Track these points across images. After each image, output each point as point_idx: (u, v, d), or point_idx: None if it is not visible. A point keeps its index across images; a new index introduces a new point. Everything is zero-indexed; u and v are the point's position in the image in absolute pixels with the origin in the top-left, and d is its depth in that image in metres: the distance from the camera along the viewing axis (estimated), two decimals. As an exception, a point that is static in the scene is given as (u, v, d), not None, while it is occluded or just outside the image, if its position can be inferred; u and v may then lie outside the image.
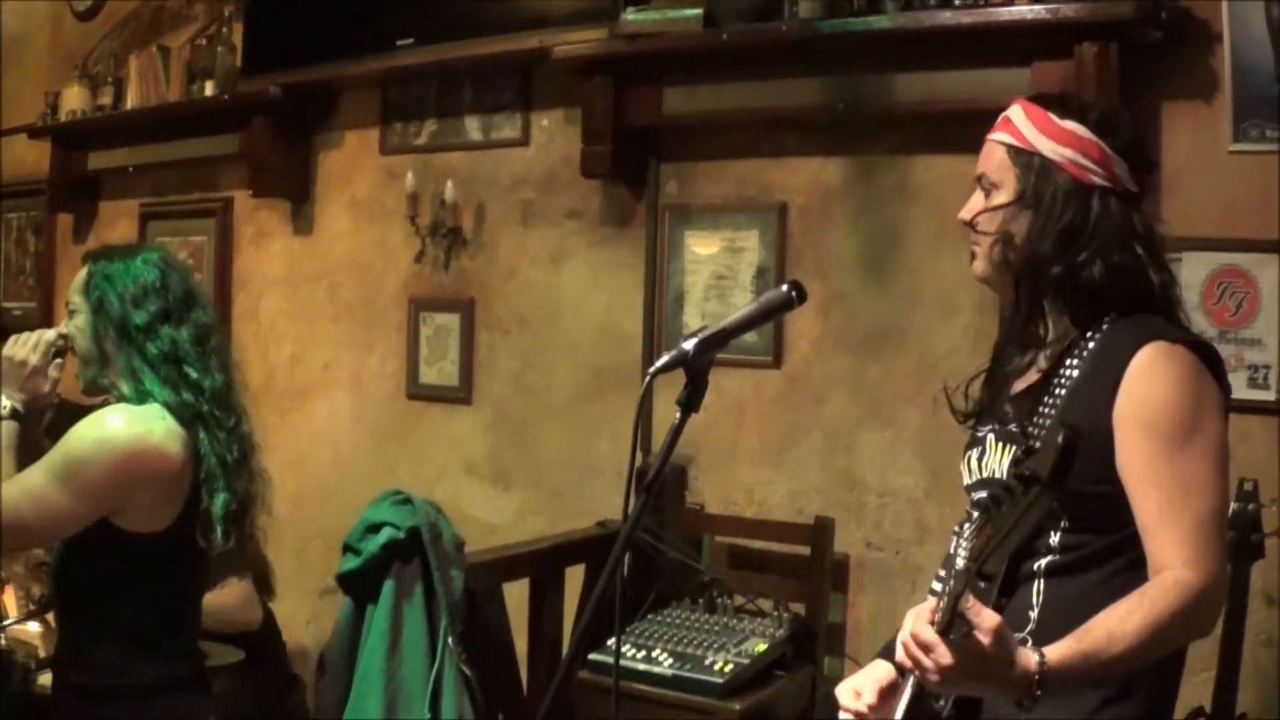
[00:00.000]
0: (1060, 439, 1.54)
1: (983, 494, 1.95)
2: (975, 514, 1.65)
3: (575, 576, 3.74)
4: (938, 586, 2.02)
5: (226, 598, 3.58)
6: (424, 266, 4.78)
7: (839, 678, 2.87)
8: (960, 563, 1.57)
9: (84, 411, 2.29)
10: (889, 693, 1.91)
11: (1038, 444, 1.61)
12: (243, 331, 5.29)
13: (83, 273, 2.41)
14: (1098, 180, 1.93)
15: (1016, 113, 2.00)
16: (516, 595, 3.66)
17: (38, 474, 2.22)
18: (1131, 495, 1.75)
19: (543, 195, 4.52)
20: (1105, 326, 1.91)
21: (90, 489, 2.20)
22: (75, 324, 2.38)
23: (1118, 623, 1.63)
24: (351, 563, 3.35)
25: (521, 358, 4.56)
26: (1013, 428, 1.93)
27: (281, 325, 5.25)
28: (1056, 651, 1.60)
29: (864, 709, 1.91)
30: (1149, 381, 1.78)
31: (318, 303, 5.12)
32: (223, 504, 2.28)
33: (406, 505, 3.40)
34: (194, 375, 2.29)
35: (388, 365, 4.89)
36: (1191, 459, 1.74)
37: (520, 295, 4.57)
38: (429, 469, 4.72)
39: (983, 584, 1.64)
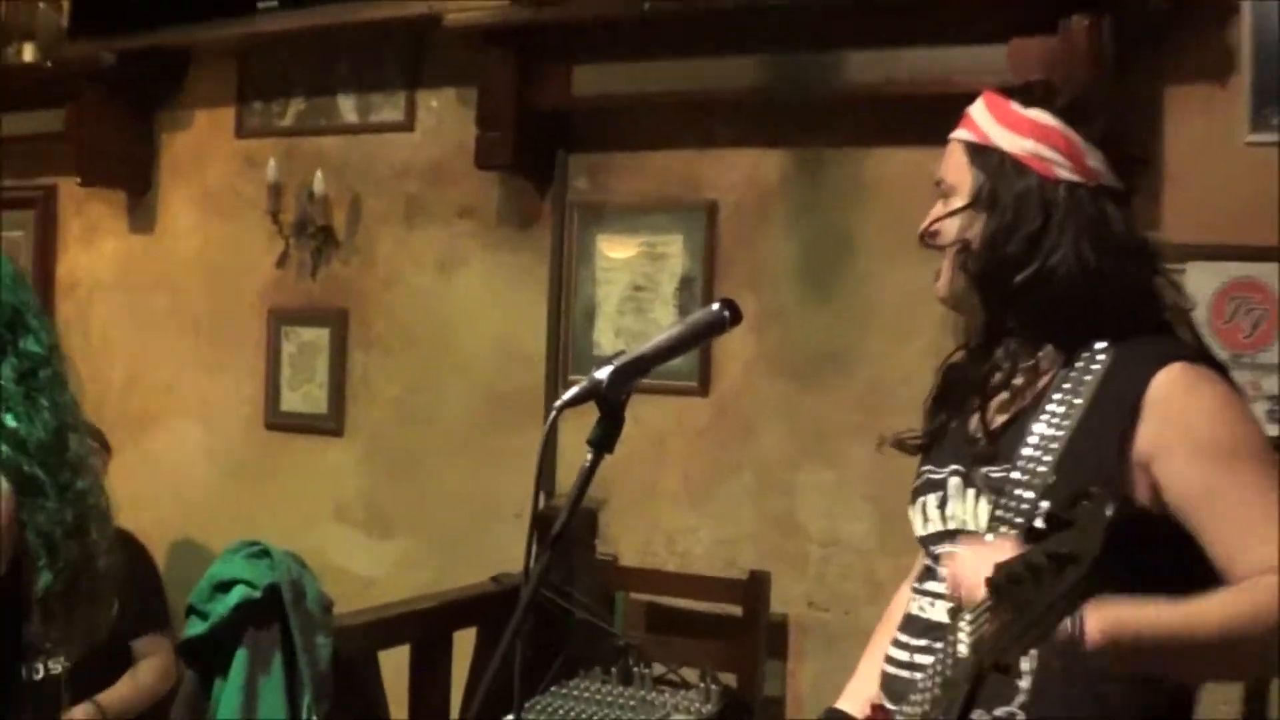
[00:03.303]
0: (1108, 511, 1.46)
1: (946, 547, 1.94)
2: (943, 571, 1.61)
3: (466, 641, 3.73)
4: (900, 654, 2.00)
5: (146, 673, 4.08)
6: (288, 272, 4.75)
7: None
8: (963, 649, 1.52)
9: None
10: None
11: (1067, 515, 1.52)
12: (68, 346, 4.75)
13: None
14: (1064, 174, 1.93)
15: (977, 106, 2.01)
16: (396, 664, 3.62)
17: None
18: (1201, 526, 1.77)
19: (430, 189, 4.52)
20: (1102, 354, 1.89)
21: None
22: None
23: (1198, 605, 1.68)
24: (197, 628, 3.31)
25: (404, 381, 4.55)
26: (992, 473, 1.90)
27: (115, 340, 5.20)
28: (1115, 611, 1.62)
29: None
30: (1182, 404, 1.81)
31: (159, 313, 5.08)
32: (45, 586, 2.14)
33: (264, 558, 3.37)
34: (11, 425, 2.14)
35: (243, 389, 4.87)
36: (1256, 466, 1.79)
37: (403, 307, 4.56)
38: (292, 513, 4.68)
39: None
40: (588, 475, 1.77)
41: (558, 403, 1.76)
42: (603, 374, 1.76)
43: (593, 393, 1.76)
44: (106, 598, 2.31)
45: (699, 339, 1.87)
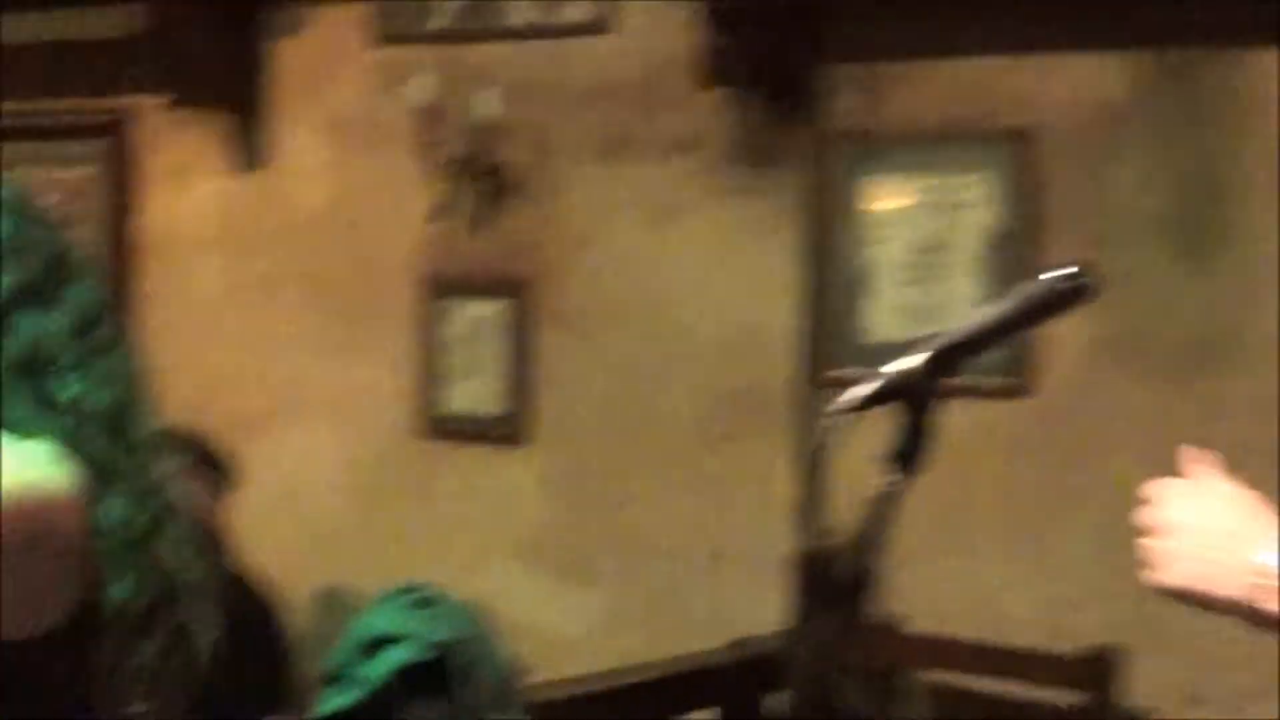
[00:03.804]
0: None
1: None
2: None
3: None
4: None
5: None
6: (447, 226, 4.78)
7: None
8: None
9: None
10: None
11: None
12: (156, 324, 5.21)
13: None
14: None
15: None
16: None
17: None
18: None
19: (637, 115, 4.53)
20: None
21: None
22: None
23: None
24: (339, 700, 3.23)
25: (605, 374, 4.56)
26: None
27: (220, 315, 5.24)
28: None
29: None
30: None
31: (276, 281, 5.14)
32: (124, 594, 2.10)
33: (428, 608, 3.31)
34: (74, 391, 2.14)
35: (390, 382, 4.91)
36: None
37: (603, 274, 4.57)
38: (457, 549, 4.70)
39: None
40: (884, 504, 1.72)
41: (844, 400, 1.71)
42: (915, 360, 1.71)
43: (901, 388, 1.72)
44: (196, 644, 2.22)
45: (1038, 318, 1.82)
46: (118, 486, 2.14)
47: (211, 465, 4.27)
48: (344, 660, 3.27)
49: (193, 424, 4.61)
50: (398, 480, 4.92)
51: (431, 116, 4.67)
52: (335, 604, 4.77)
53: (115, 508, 2.12)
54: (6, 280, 2.15)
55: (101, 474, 2.12)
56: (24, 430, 2.11)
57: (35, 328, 2.15)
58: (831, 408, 1.71)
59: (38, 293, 2.17)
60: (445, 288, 4.81)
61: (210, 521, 4.36)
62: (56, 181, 5.48)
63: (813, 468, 1.90)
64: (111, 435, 2.16)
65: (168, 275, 5.36)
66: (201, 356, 5.19)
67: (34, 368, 2.14)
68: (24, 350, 2.13)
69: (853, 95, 4.24)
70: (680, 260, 4.48)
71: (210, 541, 4.37)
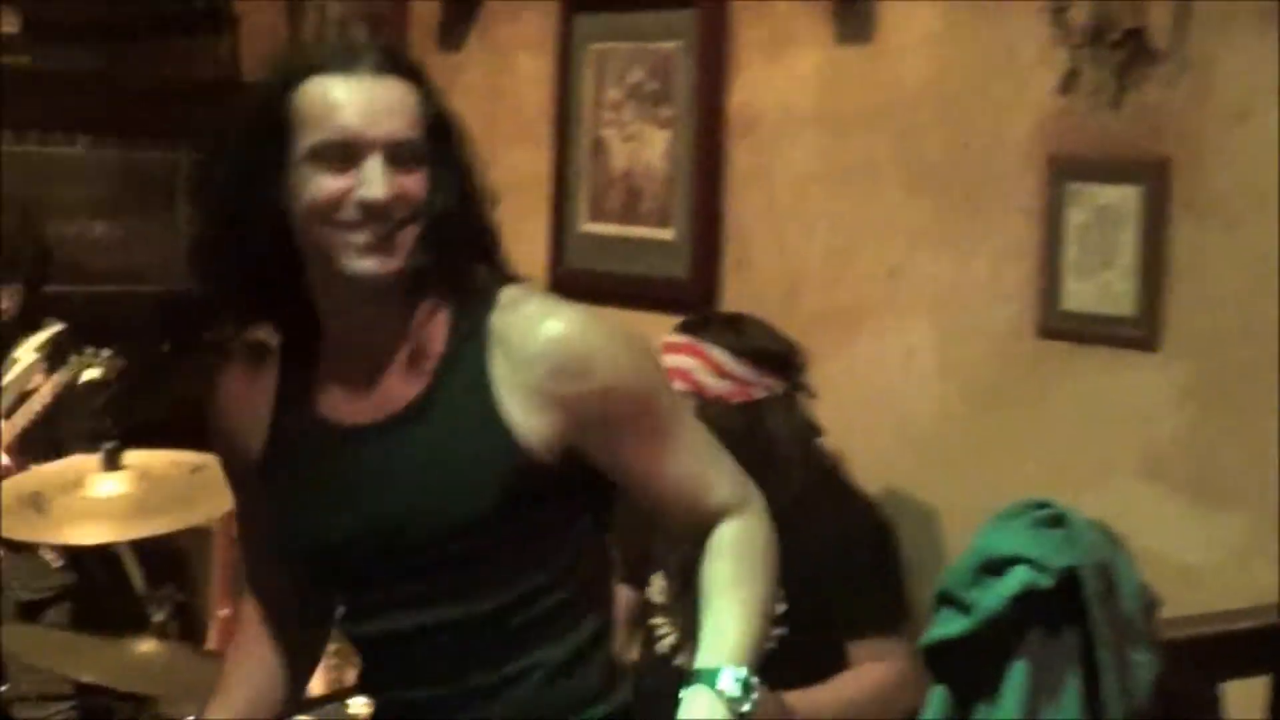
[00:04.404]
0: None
1: None
2: None
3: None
4: None
5: (861, 683, 4.31)
6: (1076, 100, 4.53)
7: None
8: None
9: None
10: None
11: None
12: (744, 207, 5.31)
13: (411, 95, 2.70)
14: None
15: None
16: (1245, 699, 3.46)
17: (684, 436, 2.82)
18: None
19: None
20: None
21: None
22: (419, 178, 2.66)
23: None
24: (953, 625, 3.26)
25: (1257, 271, 4.22)
26: None
27: (813, 200, 5.20)
28: None
29: None
30: None
31: (878, 163, 5.04)
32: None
33: (1057, 529, 3.28)
34: None
35: (1004, 276, 4.74)
36: None
37: (1259, 155, 4.21)
38: (1077, 463, 4.52)
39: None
40: None
41: None
42: None
43: None
44: None
45: None
46: None
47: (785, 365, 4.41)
48: (959, 583, 3.31)
49: (776, 317, 4.74)
50: (1009, 385, 4.77)
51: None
52: (928, 517, 4.76)
53: None
54: None
55: None
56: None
57: None
58: None
59: None
60: (1072, 170, 4.57)
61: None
62: (639, 56, 5.57)
63: None
64: None
65: (757, 156, 5.35)
66: (789, 244, 5.24)
67: None
68: None
69: None
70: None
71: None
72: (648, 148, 5.63)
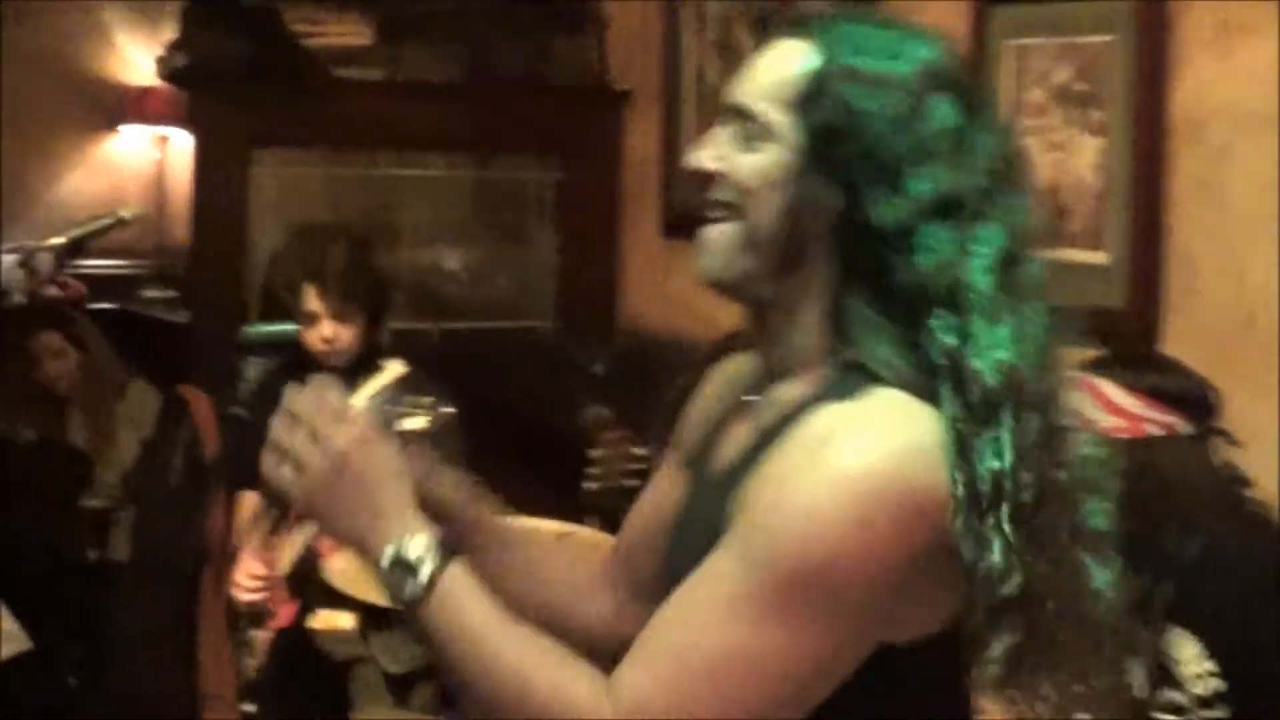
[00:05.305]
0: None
1: None
2: None
3: None
4: None
5: None
6: None
7: None
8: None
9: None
10: None
11: None
12: (1190, 225, 4.97)
13: (796, 62, 2.34)
14: None
15: None
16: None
17: (703, 606, 2.23)
18: None
19: None
20: None
21: (851, 600, 2.20)
22: (758, 160, 2.32)
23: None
24: None
25: None
26: None
27: (1274, 215, 4.75)
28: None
29: None
30: None
31: None
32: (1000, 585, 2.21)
33: None
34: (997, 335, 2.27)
35: None
36: None
37: None
38: None
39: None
40: None
41: None
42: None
43: None
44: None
45: None
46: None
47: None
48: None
49: (1227, 352, 4.61)
50: None
51: None
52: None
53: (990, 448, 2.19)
54: (943, 174, 2.27)
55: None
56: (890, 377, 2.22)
57: (980, 241, 2.27)
58: None
59: (960, 205, 2.29)
60: None
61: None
62: (1070, 51, 5.40)
63: None
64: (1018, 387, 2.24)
65: (1205, 165, 4.99)
66: (1244, 268, 4.85)
67: (950, 301, 2.24)
68: (941, 269, 2.24)
69: None
70: None
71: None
72: (1076, 158, 5.44)
